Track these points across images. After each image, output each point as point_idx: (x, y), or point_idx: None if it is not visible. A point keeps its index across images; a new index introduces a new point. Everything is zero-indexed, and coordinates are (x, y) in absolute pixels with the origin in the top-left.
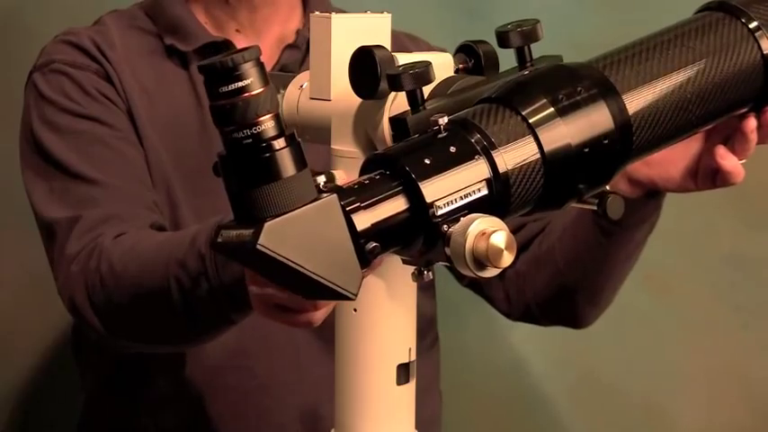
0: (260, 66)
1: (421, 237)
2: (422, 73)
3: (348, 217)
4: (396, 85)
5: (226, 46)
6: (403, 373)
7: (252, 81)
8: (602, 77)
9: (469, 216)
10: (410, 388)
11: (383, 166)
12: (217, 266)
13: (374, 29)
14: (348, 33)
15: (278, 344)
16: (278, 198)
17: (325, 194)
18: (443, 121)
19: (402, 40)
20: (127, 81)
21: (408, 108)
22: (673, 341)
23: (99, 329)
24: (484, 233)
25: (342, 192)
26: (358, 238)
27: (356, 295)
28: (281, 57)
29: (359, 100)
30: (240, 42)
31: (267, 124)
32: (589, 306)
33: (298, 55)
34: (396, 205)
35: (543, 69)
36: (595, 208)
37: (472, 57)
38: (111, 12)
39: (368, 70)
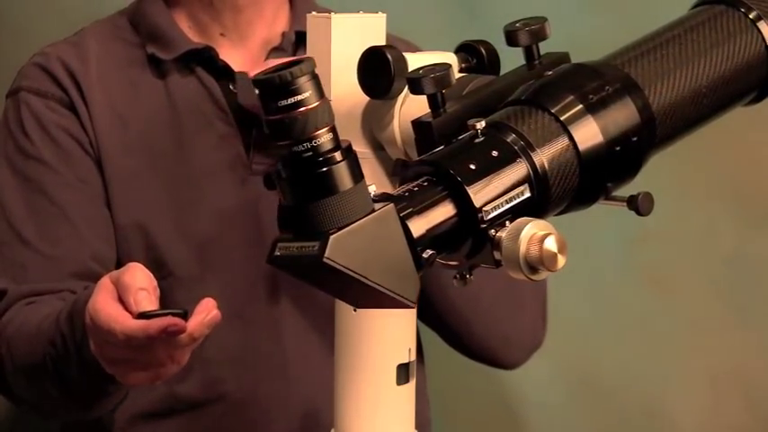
0: (315, 78)
1: (467, 241)
2: (443, 76)
3: (404, 225)
4: (416, 88)
5: (208, 53)
6: (403, 373)
7: (310, 94)
8: (625, 74)
9: (519, 221)
10: (410, 388)
11: (426, 172)
12: (77, 342)
13: (371, 29)
14: (347, 33)
15: (264, 352)
16: (339, 210)
17: (379, 204)
18: (481, 125)
19: (396, 44)
20: (95, 108)
21: (415, 110)
22: (674, 343)
23: (13, 402)
24: (536, 238)
25: (394, 200)
26: (414, 245)
27: (416, 303)
28: (267, 60)
29: (362, 100)
30: (225, 47)
31: (326, 137)
32: (495, 344)
33: (284, 58)
34: (445, 211)
35: (566, 69)
36: (624, 205)
37: (474, 56)
38: (96, 22)
39: (380, 70)
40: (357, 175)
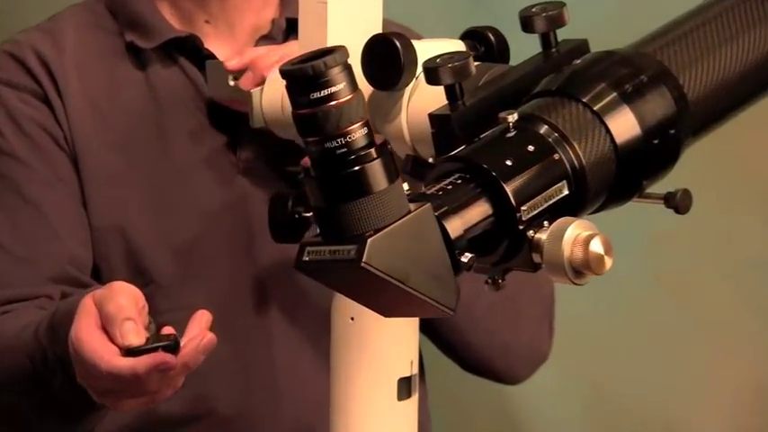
0: (349, 69)
1: (503, 243)
2: (462, 66)
3: (441, 226)
4: (433, 78)
5: (192, 41)
6: (405, 387)
7: (343, 86)
8: (657, 62)
9: (562, 221)
10: (412, 403)
11: (457, 169)
12: (59, 356)
13: (368, 14)
14: (344, 19)
15: (253, 365)
16: (375, 212)
17: (415, 204)
18: (514, 117)
19: (394, 30)
20: (71, 100)
21: (426, 102)
22: (695, 351)
23: None
24: (581, 239)
25: (429, 199)
26: (452, 247)
27: (454, 310)
28: (252, 47)
29: (363, 91)
30: (210, 35)
31: (360, 132)
32: (495, 358)
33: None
34: (481, 211)
35: (596, 57)
36: (661, 203)
37: (482, 43)
38: (71, 7)
39: (388, 60)
40: (393, 172)
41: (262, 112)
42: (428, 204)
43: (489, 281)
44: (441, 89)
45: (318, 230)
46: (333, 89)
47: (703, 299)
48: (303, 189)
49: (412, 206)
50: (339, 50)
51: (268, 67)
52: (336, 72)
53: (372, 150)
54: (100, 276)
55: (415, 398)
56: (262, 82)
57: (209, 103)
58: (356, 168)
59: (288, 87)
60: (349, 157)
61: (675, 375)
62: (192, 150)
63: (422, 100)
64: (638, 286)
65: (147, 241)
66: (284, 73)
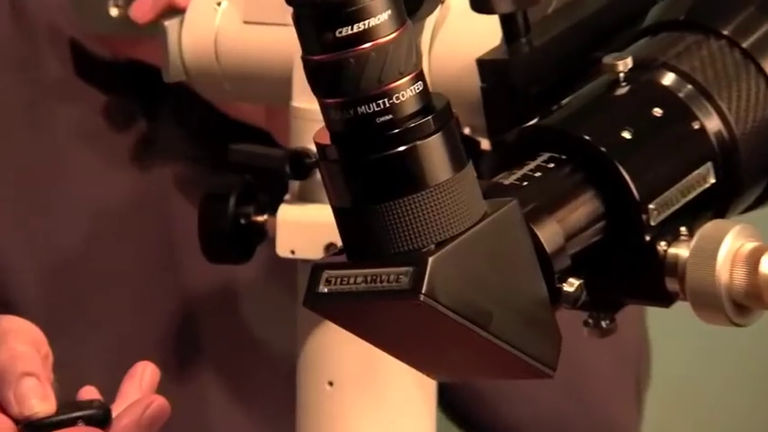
0: None
1: (619, 262)
2: None
3: (534, 235)
4: (482, 4)
5: None
6: None
7: (388, 17)
8: None
9: (711, 227)
10: None
11: (544, 146)
12: None
13: None
14: None
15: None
16: (437, 215)
17: (493, 202)
18: (626, 64)
19: None
20: None
21: (458, 43)
22: None
23: None
24: (744, 256)
25: (510, 193)
26: (550, 267)
27: (555, 369)
28: None
29: None
30: None
31: (411, 90)
32: None
33: None
34: (588, 211)
35: None
36: None
37: None
38: None
39: None
40: (461, 154)
41: (182, 58)
42: (513, 201)
43: (590, 321)
44: (487, 21)
45: (342, 246)
46: (372, 21)
47: None
48: (253, 180)
49: (489, 205)
50: None
51: None
52: None
53: (431, 120)
54: None
55: None
56: (169, 8)
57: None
58: (406, 147)
59: (297, 19)
60: (394, 128)
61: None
62: (78, 120)
63: (453, 38)
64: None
65: (12, 258)
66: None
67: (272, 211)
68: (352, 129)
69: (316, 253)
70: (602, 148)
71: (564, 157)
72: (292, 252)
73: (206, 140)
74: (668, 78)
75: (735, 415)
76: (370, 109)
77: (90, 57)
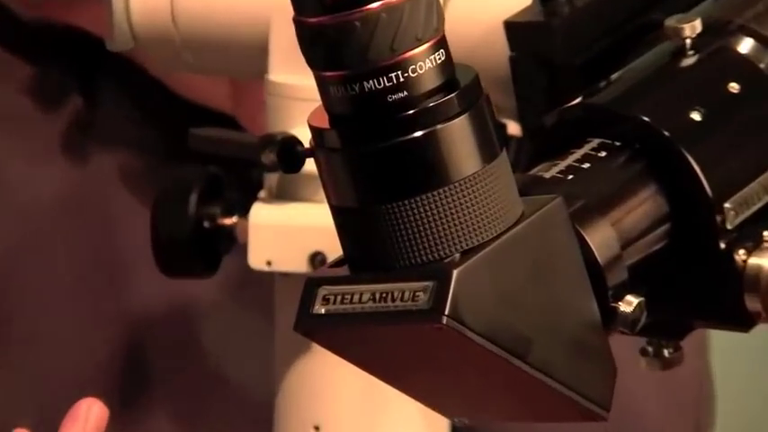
0: None
1: (687, 275)
2: None
3: (583, 242)
4: None
5: None
6: None
7: None
8: None
9: None
10: None
11: (593, 130)
12: None
13: None
14: None
15: None
16: (462, 216)
17: (532, 200)
18: (693, 29)
19: None
20: None
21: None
22: None
23: None
24: None
25: (552, 188)
26: (603, 284)
27: (609, 410)
28: None
29: None
30: None
31: (431, 61)
32: None
33: None
34: (649, 210)
35: None
36: None
37: None
38: None
39: None
40: (492, 141)
41: (129, 21)
42: (557, 199)
43: (649, 349)
44: None
45: (342, 255)
46: None
47: None
48: (220, 174)
49: (526, 204)
50: None
51: None
52: None
53: (455, 98)
54: None
55: None
56: None
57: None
58: (424, 132)
59: None
60: (410, 109)
61: None
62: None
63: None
64: None
65: None
66: None
67: (243, 212)
68: (357, 109)
69: (298, 264)
70: (666, 133)
71: (618, 143)
72: (268, 263)
73: (157, 124)
74: (746, 45)
75: None
76: (379, 84)
77: (13, 22)
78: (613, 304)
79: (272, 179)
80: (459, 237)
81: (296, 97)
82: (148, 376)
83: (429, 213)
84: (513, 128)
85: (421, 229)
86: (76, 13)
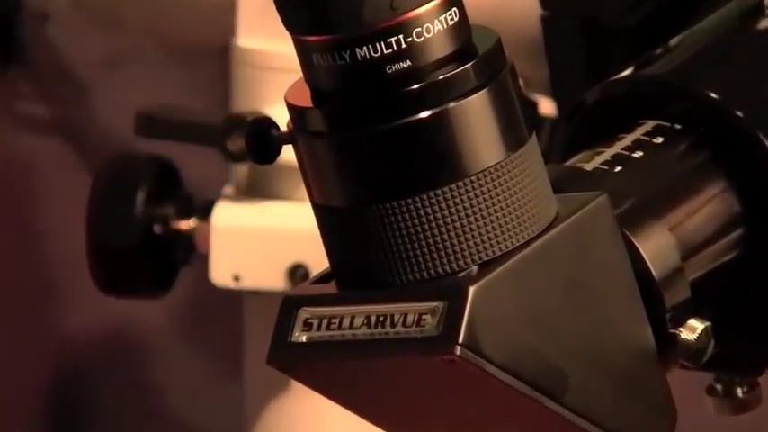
0: None
1: (761, 292)
2: None
3: (636, 253)
4: None
5: None
6: None
7: None
8: None
9: None
10: None
11: (647, 110)
12: None
13: None
14: None
15: None
16: (480, 219)
17: (569, 199)
18: None
19: None
20: None
21: None
22: None
23: None
24: None
25: (596, 184)
26: (658, 301)
27: None
28: None
29: None
30: None
31: (440, 24)
32: None
33: None
34: (718, 212)
35: None
36: None
37: None
38: None
39: None
40: (518, 124)
41: None
42: (602, 197)
43: (718, 388)
44: None
45: (328, 269)
46: None
47: None
48: (173, 165)
49: (561, 203)
50: None
51: None
52: None
53: (471, 69)
54: None
55: None
56: None
57: None
58: (432, 113)
59: None
60: (415, 83)
61: None
62: None
63: None
64: None
65: None
66: None
67: (204, 213)
68: (347, 83)
69: (273, 280)
70: (738, 113)
71: (678, 127)
72: (236, 278)
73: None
74: None
75: None
76: (376, 52)
77: None
78: (672, 330)
79: (240, 171)
80: (476, 245)
81: (269, 67)
82: (84, 415)
83: (438, 216)
84: (546, 106)
85: (428, 235)
86: None
